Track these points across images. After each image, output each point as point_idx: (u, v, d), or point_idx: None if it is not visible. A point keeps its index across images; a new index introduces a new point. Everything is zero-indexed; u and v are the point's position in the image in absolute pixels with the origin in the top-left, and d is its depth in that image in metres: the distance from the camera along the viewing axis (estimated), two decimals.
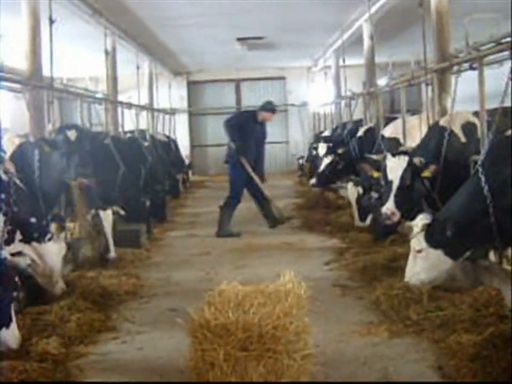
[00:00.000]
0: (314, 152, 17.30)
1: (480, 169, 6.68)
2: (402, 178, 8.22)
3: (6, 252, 6.47)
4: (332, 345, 6.12)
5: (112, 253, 9.70)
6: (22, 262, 7.03)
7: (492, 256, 7.19)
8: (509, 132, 6.80)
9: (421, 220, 7.04)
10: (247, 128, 13.11)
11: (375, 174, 9.23)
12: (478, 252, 7.20)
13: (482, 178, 6.59)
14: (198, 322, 4.42)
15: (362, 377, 5.42)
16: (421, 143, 9.08)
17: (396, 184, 8.28)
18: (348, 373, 5.50)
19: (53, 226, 7.42)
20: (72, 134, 10.14)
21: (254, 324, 4.31)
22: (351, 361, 5.76)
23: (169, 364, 5.88)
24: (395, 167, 8.38)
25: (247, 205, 15.28)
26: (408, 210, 8.18)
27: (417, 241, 6.90)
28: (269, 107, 13.42)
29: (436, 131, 8.86)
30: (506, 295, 6.38)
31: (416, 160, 8.27)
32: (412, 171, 8.21)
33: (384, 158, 8.72)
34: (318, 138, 19.47)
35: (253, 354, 4.30)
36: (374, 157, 10.05)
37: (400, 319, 6.61)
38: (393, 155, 8.49)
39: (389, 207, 8.23)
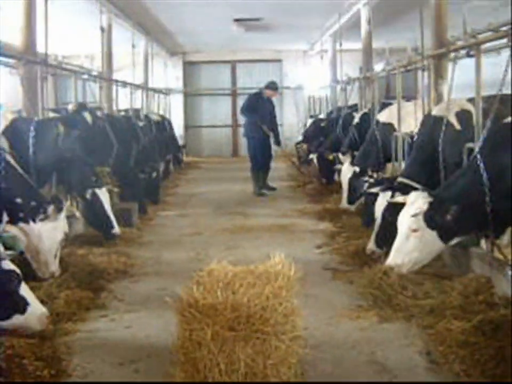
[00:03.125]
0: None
1: (478, 157, 6.67)
2: (383, 218, 8.17)
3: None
4: (321, 328, 6.13)
5: (116, 229, 9.65)
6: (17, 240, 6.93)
7: (483, 243, 7.20)
8: (508, 119, 6.78)
9: (416, 198, 7.00)
10: (257, 106, 15.63)
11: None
12: (469, 239, 7.22)
13: (481, 166, 6.57)
14: (187, 302, 4.39)
15: (350, 361, 5.42)
16: (416, 141, 9.12)
17: (378, 222, 8.29)
18: (337, 356, 5.51)
19: (51, 208, 7.31)
20: (88, 116, 10.19)
21: (242, 304, 4.29)
22: (339, 345, 5.77)
23: (157, 342, 5.87)
24: (379, 205, 8.40)
25: (241, 187, 15.36)
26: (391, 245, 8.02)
27: (415, 220, 6.85)
28: (272, 86, 16.07)
29: (429, 122, 8.87)
30: (497, 282, 6.39)
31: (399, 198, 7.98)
32: (396, 209, 7.76)
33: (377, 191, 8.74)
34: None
35: (241, 334, 4.27)
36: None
37: (390, 304, 6.62)
38: (383, 189, 8.48)
39: (369, 246, 8.30)
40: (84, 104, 13.01)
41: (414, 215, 6.86)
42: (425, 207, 6.81)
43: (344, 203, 11.86)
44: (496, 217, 6.56)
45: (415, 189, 7.87)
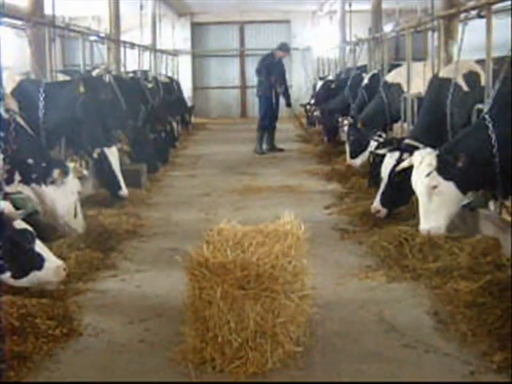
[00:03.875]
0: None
1: (487, 117, 6.65)
2: (390, 176, 8.16)
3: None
4: (329, 287, 6.17)
5: (124, 190, 9.65)
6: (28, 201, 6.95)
7: (491, 205, 7.21)
8: None
9: (423, 156, 6.97)
10: (271, 67, 16.20)
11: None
12: (478, 201, 7.23)
13: (490, 126, 6.56)
14: (196, 261, 4.43)
15: (358, 320, 5.47)
16: (423, 103, 9.10)
17: (384, 181, 8.26)
18: (345, 316, 5.56)
19: (56, 172, 7.33)
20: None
21: (252, 263, 4.31)
22: (347, 304, 5.82)
23: (167, 301, 5.93)
24: (386, 165, 8.36)
25: (250, 148, 15.37)
26: (397, 205, 8.25)
27: (431, 178, 6.76)
28: (284, 47, 16.72)
29: (436, 84, 8.84)
30: (505, 244, 6.40)
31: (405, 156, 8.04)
32: (403, 169, 7.83)
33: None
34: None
35: (250, 293, 4.31)
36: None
37: (398, 264, 6.65)
38: (390, 150, 8.45)
39: (375, 205, 8.27)
40: (109, 70, 13.01)
41: (429, 174, 6.78)
42: (434, 162, 6.76)
43: (348, 159, 11.98)
44: (504, 177, 6.57)
45: None
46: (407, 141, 8.57)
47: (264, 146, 16.06)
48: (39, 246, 5.53)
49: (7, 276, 5.29)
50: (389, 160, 8.30)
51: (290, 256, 4.46)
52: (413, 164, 7.09)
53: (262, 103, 16.37)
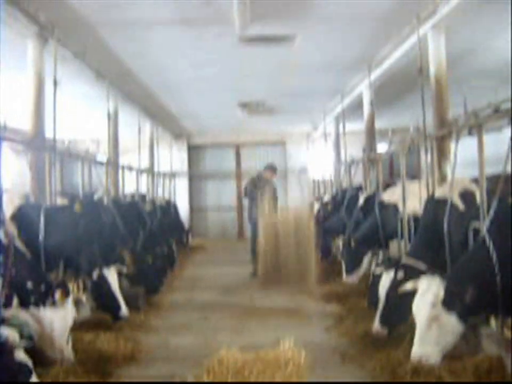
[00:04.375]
0: None
1: (487, 237, 6.68)
2: (387, 298, 8.18)
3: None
4: None
5: (124, 311, 9.53)
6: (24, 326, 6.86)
7: (493, 323, 7.14)
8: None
9: (429, 284, 6.92)
10: (256, 188, 16.09)
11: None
12: (479, 318, 7.17)
13: (491, 246, 6.57)
14: None
15: None
16: (420, 223, 9.19)
17: (382, 301, 8.28)
18: None
19: (57, 293, 7.28)
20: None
21: None
22: None
23: None
24: (383, 285, 8.38)
25: (248, 270, 15.32)
26: (397, 324, 8.19)
27: (436, 309, 6.68)
28: (270, 167, 16.85)
29: (432, 205, 8.96)
30: (508, 363, 6.32)
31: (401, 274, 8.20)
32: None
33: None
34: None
35: None
36: None
37: None
38: (386, 269, 8.50)
39: (375, 326, 8.26)
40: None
41: (434, 304, 6.72)
42: (441, 293, 6.70)
43: (344, 276, 12.10)
44: (505, 296, 6.54)
45: (419, 270, 7.94)
46: (404, 259, 8.59)
47: None
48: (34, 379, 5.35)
49: None
50: (386, 279, 8.31)
51: None
52: (416, 288, 7.05)
53: (251, 226, 16.13)
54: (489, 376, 6.25)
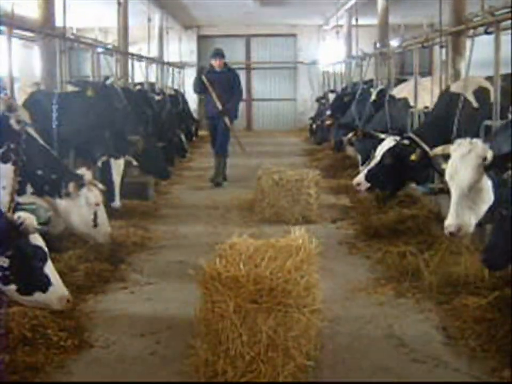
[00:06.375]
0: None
1: None
2: (383, 157, 8.39)
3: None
4: (338, 302, 6.22)
5: (117, 202, 9.42)
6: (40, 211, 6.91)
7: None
8: None
9: (476, 145, 6.09)
10: (209, 79, 13.60)
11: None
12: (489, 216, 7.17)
13: None
14: (209, 274, 4.45)
15: (368, 335, 5.51)
16: (432, 112, 9.12)
17: (375, 159, 8.56)
18: (354, 330, 5.60)
19: (71, 186, 7.20)
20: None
21: (265, 277, 4.34)
22: (356, 319, 5.85)
23: (177, 314, 5.97)
24: (383, 145, 8.62)
25: (256, 161, 15.32)
26: (379, 186, 8.80)
27: (476, 171, 5.98)
28: (216, 54, 13.86)
29: (447, 97, 8.88)
30: None
31: (405, 141, 8.38)
32: (398, 154, 8.31)
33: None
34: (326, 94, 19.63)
35: (263, 307, 4.34)
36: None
37: (407, 279, 6.67)
38: (392, 134, 8.56)
39: (358, 178, 8.70)
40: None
41: (485, 166, 5.97)
42: (489, 156, 5.93)
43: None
44: None
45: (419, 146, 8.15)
46: (410, 134, 8.76)
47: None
48: (49, 268, 5.29)
49: (12, 288, 5.06)
50: (387, 142, 8.63)
51: (303, 270, 4.50)
52: (447, 152, 6.36)
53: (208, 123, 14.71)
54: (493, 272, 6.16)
